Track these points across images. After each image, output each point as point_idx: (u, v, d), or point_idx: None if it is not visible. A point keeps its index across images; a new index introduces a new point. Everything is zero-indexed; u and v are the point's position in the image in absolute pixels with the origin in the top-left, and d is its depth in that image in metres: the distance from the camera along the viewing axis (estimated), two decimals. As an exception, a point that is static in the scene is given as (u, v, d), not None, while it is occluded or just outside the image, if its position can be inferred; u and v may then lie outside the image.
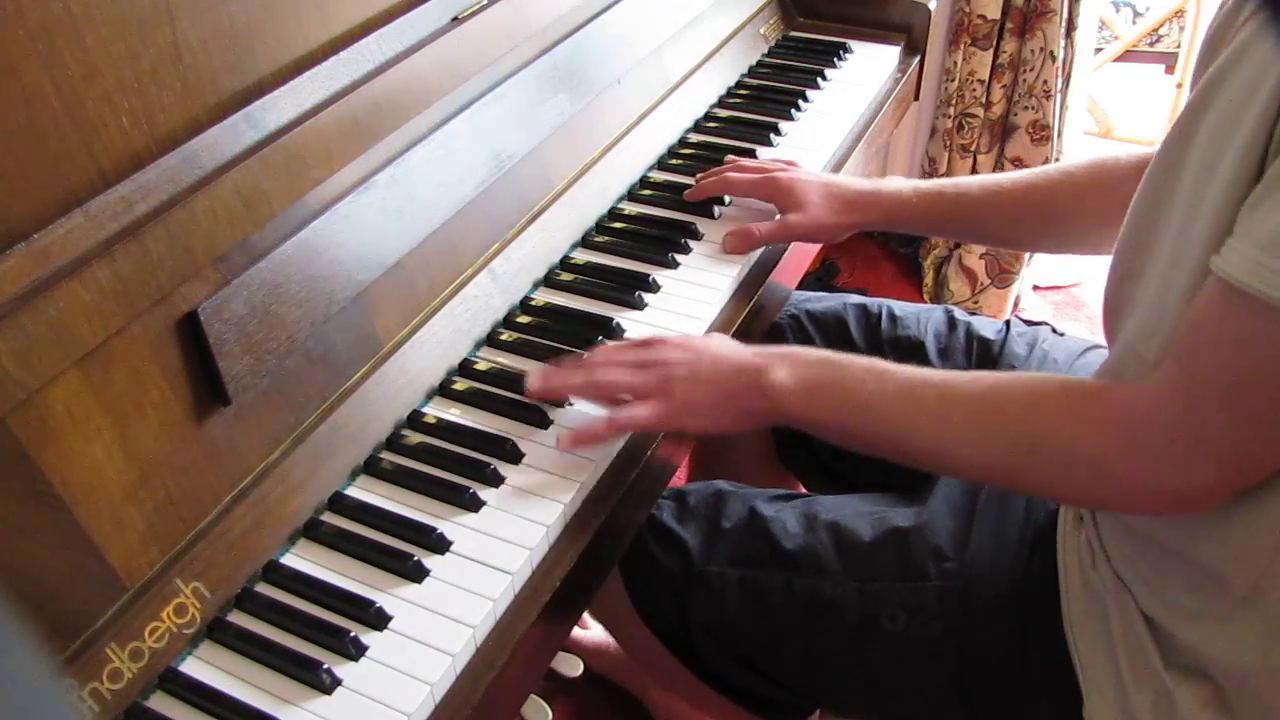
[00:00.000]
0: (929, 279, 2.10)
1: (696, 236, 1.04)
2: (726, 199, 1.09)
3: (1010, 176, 0.98)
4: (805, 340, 1.09)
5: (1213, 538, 0.68)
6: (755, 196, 1.05)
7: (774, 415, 0.78)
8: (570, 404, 0.85)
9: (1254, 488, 0.65)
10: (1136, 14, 2.91)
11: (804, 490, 1.18)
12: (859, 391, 0.74)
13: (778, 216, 1.03)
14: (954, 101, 1.90)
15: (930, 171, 2.00)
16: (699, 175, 1.10)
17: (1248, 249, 0.57)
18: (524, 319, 0.94)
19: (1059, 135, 1.86)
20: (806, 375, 0.76)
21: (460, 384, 0.86)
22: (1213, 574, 0.69)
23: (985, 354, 1.03)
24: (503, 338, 0.91)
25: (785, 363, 0.77)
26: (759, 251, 1.04)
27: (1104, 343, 0.80)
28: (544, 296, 0.97)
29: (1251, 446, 0.61)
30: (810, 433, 0.79)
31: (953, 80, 1.87)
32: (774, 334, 1.09)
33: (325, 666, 0.65)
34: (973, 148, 1.93)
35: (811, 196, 1.00)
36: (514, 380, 0.86)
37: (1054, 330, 1.05)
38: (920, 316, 1.08)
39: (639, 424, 0.79)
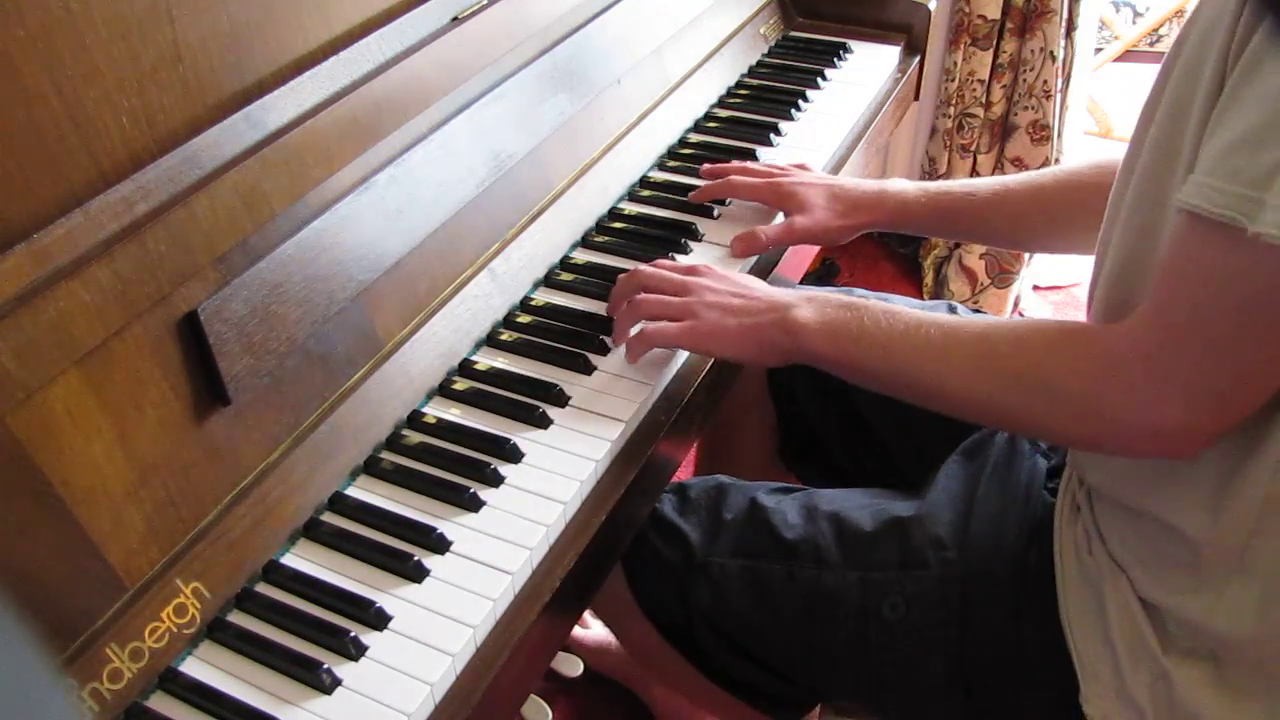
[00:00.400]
0: (929, 279, 2.10)
1: (696, 237, 1.04)
2: (727, 199, 1.09)
3: (1017, 179, 0.99)
4: None
5: (1199, 506, 0.69)
6: (759, 202, 1.06)
7: (795, 351, 0.82)
8: (571, 400, 0.85)
9: (1234, 450, 0.66)
10: (1136, 14, 2.92)
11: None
12: (874, 331, 0.78)
13: (780, 219, 1.03)
14: (954, 101, 1.90)
15: (930, 172, 2.00)
16: (704, 167, 1.10)
17: (1198, 177, 0.59)
18: (524, 319, 0.94)
19: (1059, 135, 1.86)
20: (828, 315, 0.81)
21: (460, 384, 0.86)
22: (1202, 544, 0.69)
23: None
24: (503, 338, 0.91)
25: (811, 304, 0.82)
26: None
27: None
28: (544, 296, 0.97)
29: (1223, 379, 0.63)
30: (825, 369, 0.82)
31: (953, 80, 1.87)
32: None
33: (325, 666, 0.65)
34: (973, 148, 1.93)
35: (815, 200, 1.01)
36: (514, 380, 0.87)
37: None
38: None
39: (666, 340, 0.85)
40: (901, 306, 0.80)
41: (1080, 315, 2.08)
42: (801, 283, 1.17)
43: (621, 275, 0.92)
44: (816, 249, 1.24)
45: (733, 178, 1.07)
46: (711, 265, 0.90)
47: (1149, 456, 0.71)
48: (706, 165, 1.11)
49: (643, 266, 0.91)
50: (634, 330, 0.88)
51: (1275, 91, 0.56)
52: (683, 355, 0.91)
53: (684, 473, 1.41)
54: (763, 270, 1.03)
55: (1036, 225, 0.99)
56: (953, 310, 1.08)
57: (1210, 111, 0.61)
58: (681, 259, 1.01)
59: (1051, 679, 0.79)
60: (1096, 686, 0.76)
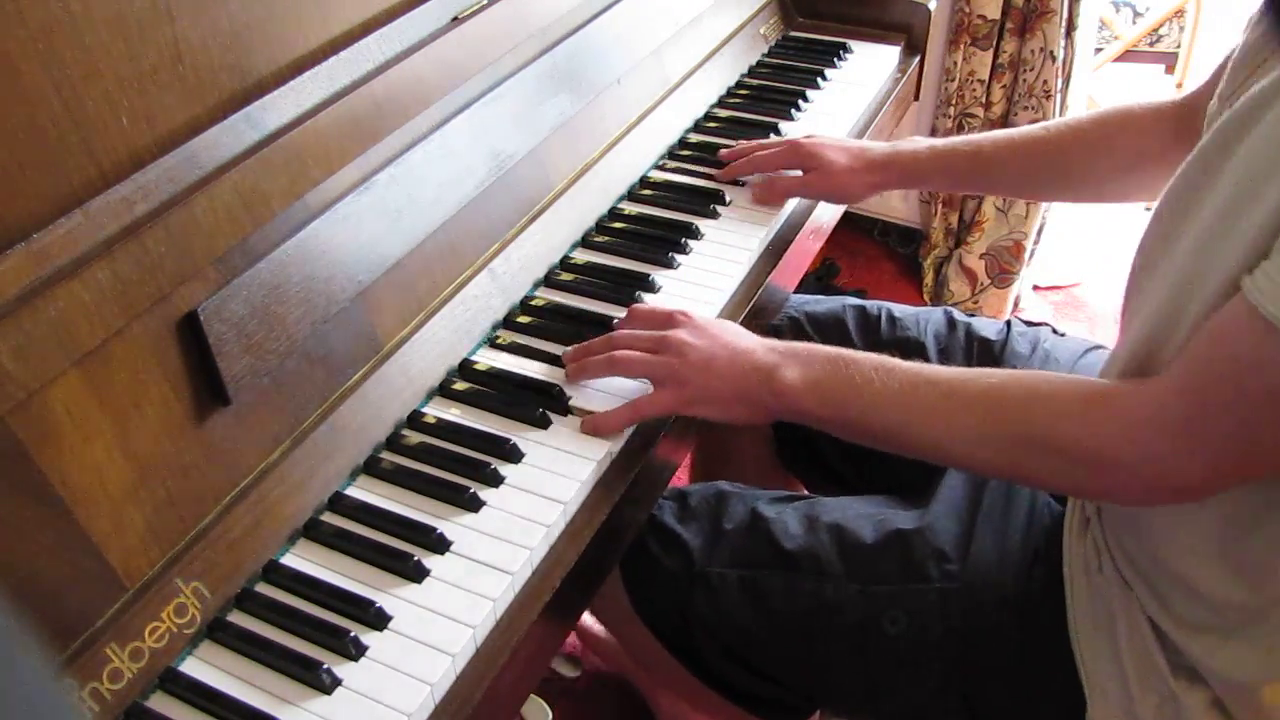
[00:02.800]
0: (929, 279, 2.10)
1: (696, 236, 1.04)
2: (727, 198, 1.09)
3: (1021, 132, 1.01)
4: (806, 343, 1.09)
5: (1213, 565, 0.69)
6: (781, 165, 1.08)
7: (784, 412, 0.80)
8: (571, 400, 0.85)
9: (1254, 515, 0.66)
10: (1136, 14, 2.91)
11: (805, 492, 1.18)
12: (865, 389, 0.76)
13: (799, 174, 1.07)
14: (954, 101, 1.90)
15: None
16: (723, 152, 1.13)
17: (1276, 274, 0.58)
18: (524, 319, 0.94)
19: (1059, 135, 1.86)
20: (816, 374, 0.78)
21: (460, 384, 0.86)
22: (1215, 598, 0.69)
23: (986, 354, 1.03)
24: (503, 338, 0.91)
25: (796, 361, 0.80)
26: (759, 252, 1.04)
27: (1104, 343, 0.81)
28: (544, 296, 0.97)
29: (1250, 453, 0.63)
30: (817, 427, 0.81)
31: (953, 80, 1.87)
32: (775, 337, 1.09)
33: (325, 666, 0.65)
34: (973, 148, 1.92)
35: (835, 158, 1.05)
36: (514, 380, 0.87)
37: (1054, 331, 1.05)
38: (920, 318, 1.08)
39: (657, 411, 0.82)
40: (895, 360, 0.78)
41: (1080, 315, 2.09)
42: (801, 284, 1.17)
43: (590, 340, 0.87)
44: (816, 250, 1.24)
45: (754, 154, 1.10)
46: (689, 312, 0.86)
47: (1160, 504, 0.71)
48: (724, 150, 1.13)
49: (617, 330, 0.87)
50: (590, 388, 0.85)
51: None
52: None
53: (680, 474, 1.41)
54: (762, 271, 1.03)
55: (1042, 176, 1.02)
56: (950, 316, 1.08)
57: None
58: (680, 259, 1.01)
59: (1057, 696, 0.78)
60: (1104, 706, 0.75)
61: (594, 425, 0.82)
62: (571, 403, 0.85)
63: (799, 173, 1.07)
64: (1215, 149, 0.67)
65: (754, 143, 1.13)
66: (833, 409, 0.78)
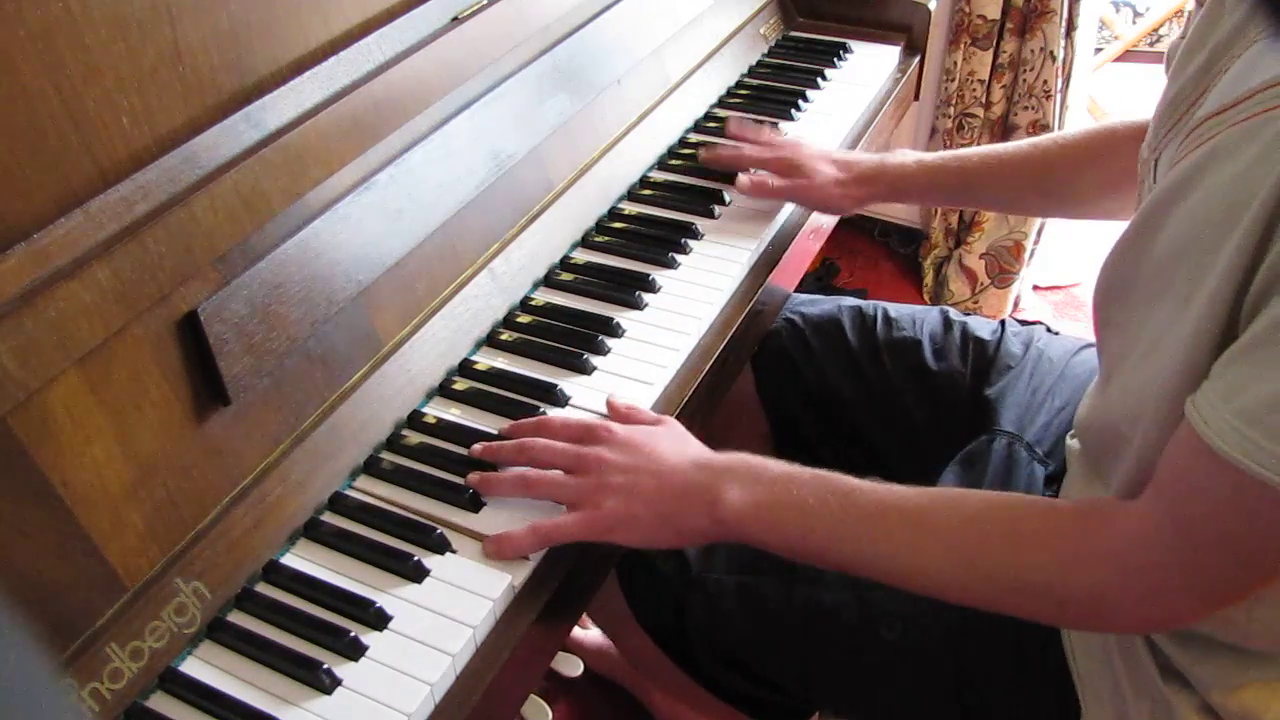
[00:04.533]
0: (929, 279, 2.10)
1: (696, 236, 1.04)
2: (727, 198, 1.09)
3: (1008, 147, 1.00)
4: (802, 345, 1.08)
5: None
6: (767, 168, 1.07)
7: (723, 535, 0.74)
8: (570, 400, 0.85)
9: None
10: (1136, 14, 2.91)
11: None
12: (821, 515, 0.70)
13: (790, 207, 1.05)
14: (954, 101, 1.90)
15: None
16: (705, 157, 1.11)
17: (1231, 419, 0.54)
18: (524, 319, 0.94)
19: (1059, 135, 1.86)
20: (760, 496, 0.72)
21: (460, 384, 0.86)
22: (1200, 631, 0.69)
23: (981, 354, 1.03)
24: (503, 338, 0.91)
25: (737, 482, 0.72)
26: (759, 252, 1.04)
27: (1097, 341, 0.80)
28: (544, 296, 0.97)
29: (1245, 580, 0.61)
30: (767, 550, 0.74)
31: (953, 80, 1.87)
32: (771, 338, 1.09)
33: (325, 666, 0.65)
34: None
35: (822, 168, 1.04)
36: (514, 381, 0.87)
37: (1049, 329, 1.06)
38: (916, 317, 1.08)
39: (564, 536, 0.73)
40: (850, 481, 0.71)
41: (1080, 314, 2.09)
42: (800, 284, 1.17)
43: (504, 431, 0.80)
44: (816, 249, 1.24)
45: (744, 147, 1.09)
46: (611, 425, 0.76)
47: (1154, 632, 0.71)
48: (720, 147, 1.12)
49: (527, 427, 0.79)
50: (499, 532, 0.73)
51: None
52: (683, 356, 0.91)
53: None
54: (762, 271, 1.03)
55: (1028, 192, 1.01)
56: (945, 315, 1.07)
57: (1224, 311, 0.57)
58: (680, 259, 1.01)
59: (1051, 701, 0.78)
60: (1099, 711, 0.75)
61: (496, 547, 0.72)
62: (572, 404, 0.85)
63: None
64: (1140, 237, 0.66)
65: (747, 144, 1.11)
66: (783, 535, 0.72)
